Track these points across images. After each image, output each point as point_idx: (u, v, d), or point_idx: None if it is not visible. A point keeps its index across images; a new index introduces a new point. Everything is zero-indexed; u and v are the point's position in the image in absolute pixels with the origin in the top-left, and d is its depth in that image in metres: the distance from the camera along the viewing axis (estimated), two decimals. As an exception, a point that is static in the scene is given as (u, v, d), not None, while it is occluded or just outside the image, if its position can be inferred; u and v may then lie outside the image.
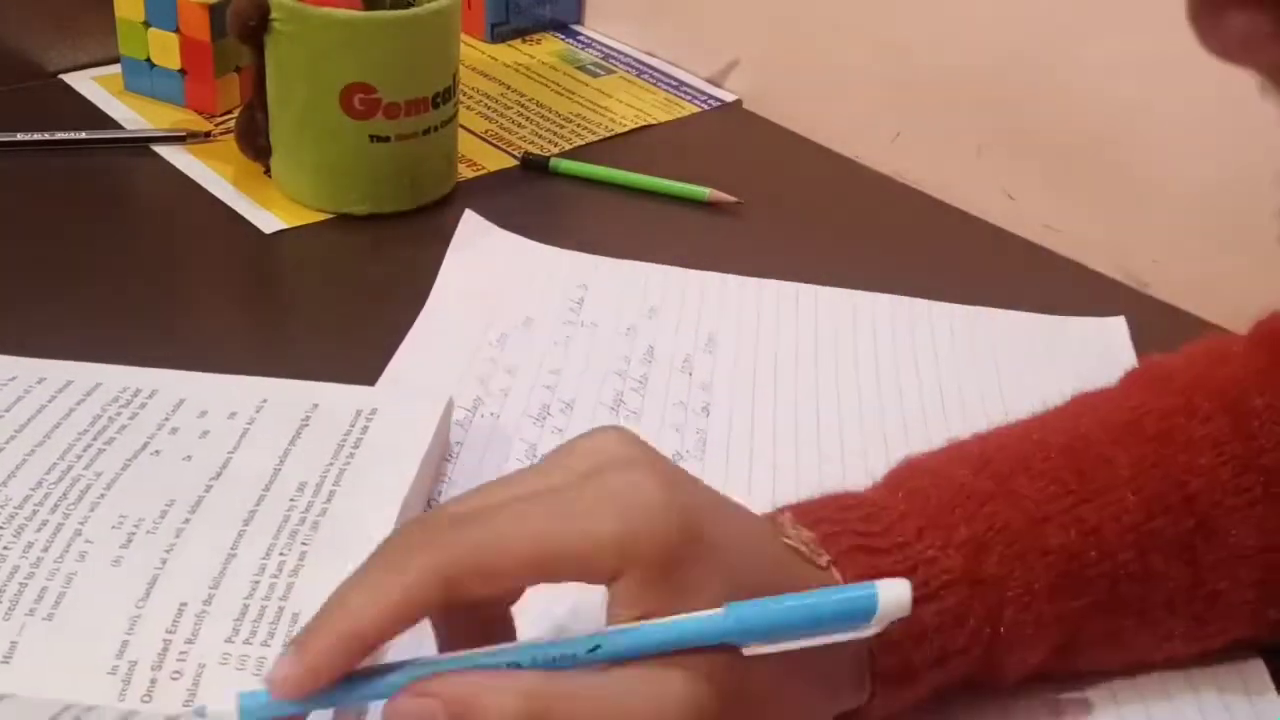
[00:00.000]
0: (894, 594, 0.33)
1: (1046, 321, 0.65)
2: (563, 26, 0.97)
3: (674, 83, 0.90)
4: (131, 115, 0.79)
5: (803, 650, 0.35)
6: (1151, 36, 0.67)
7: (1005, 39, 0.74)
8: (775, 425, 0.56)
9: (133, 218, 0.70)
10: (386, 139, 0.68)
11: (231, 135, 0.73)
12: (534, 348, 0.60)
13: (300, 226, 0.69)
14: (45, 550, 0.43)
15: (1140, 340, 0.66)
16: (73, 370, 0.52)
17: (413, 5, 0.68)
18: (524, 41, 0.95)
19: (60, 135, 0.74)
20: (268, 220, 0.69)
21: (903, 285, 0.67)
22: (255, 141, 0.71)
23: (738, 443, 0.54)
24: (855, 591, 0.34)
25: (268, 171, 0.72)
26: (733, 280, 0.66)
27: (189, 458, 0.47)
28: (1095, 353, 0.62)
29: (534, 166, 0.77)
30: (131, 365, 0.53)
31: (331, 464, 0.47)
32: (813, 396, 0.58)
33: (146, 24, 0.78)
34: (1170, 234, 0.69)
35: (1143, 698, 0.43)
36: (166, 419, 0.50)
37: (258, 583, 0.41)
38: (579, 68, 0.91)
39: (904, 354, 0.61)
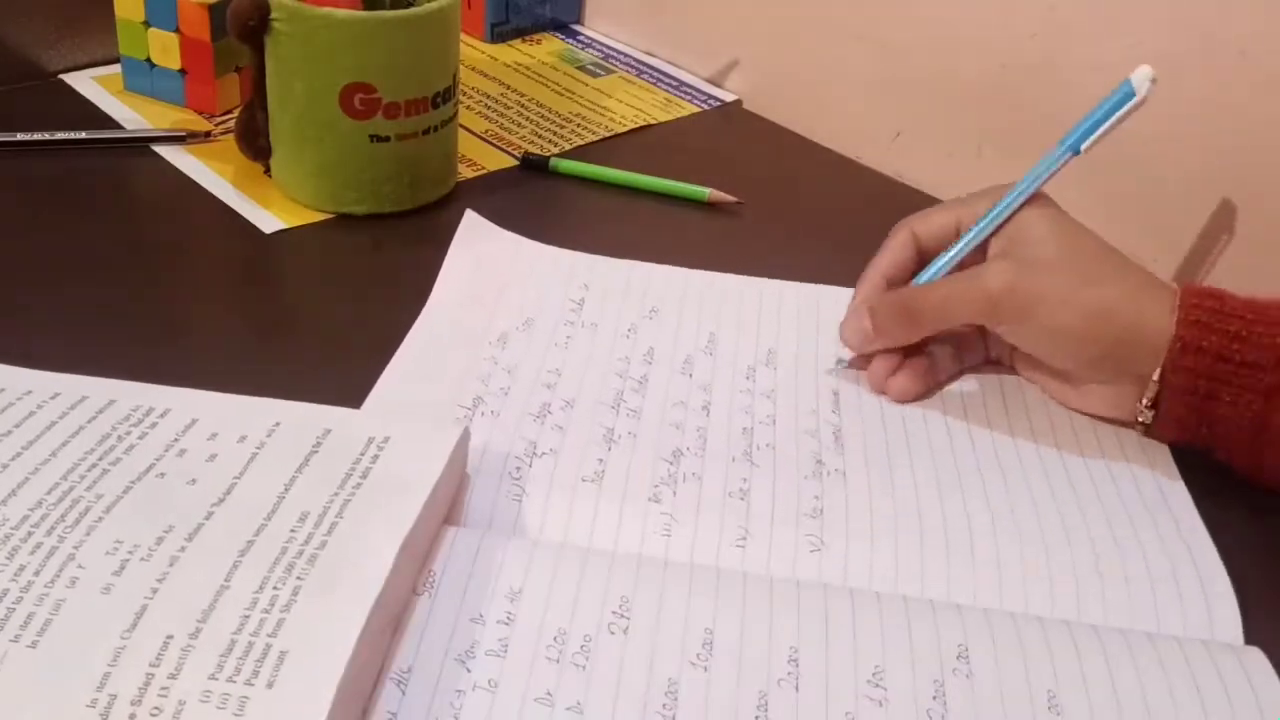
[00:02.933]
0: (1142, 73, 0.55)
1: None
2: (563, 26, 0.97)
3: (674, 83, 0.90)
4: (131, 115, 0.79)
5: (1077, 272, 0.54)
6: (1151, 36, 0.67)
7: (1005, 39, 0.74)
8: (776, 423, 0.56)
9: (133, 218, 0.70)
10: (386, 139, 0.68)
11: (231, 135, 0.73)
12: (534, 347, 0.60)
13: (300, 226, 0.69)
14: (36, 574, 0.41)
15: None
16: (88, 386, 0.51)
17: (413, 5, 0.68)
18: (524, 41, 0.95)
19: (60, 135, 0.74)
20: (268, 220, 0.69)
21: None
22: (255, 141, 0.71)
23: (737, 440, 0.55)
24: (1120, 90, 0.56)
25: (268, 171, 0.72)
26: (733, 279, 0.66)
27: (194, 481, 0.46)
28: None
29: (534, 166, 0.77)
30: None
31: (336, 494, 0.45)
32: (812, 394, 0.58)
33: (146, 24, 0.78)
34: (1170, 234, 0.69)
35: (1143, 691, 0.43)
36: (176, 440, 0.48)
37: (248, 617, 0.40)
38: (579, 68, 0.91)
39: None
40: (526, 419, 0.54)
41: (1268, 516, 0.54)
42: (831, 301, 0.65)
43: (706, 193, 0.75)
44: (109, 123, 0.78)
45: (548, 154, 0.78)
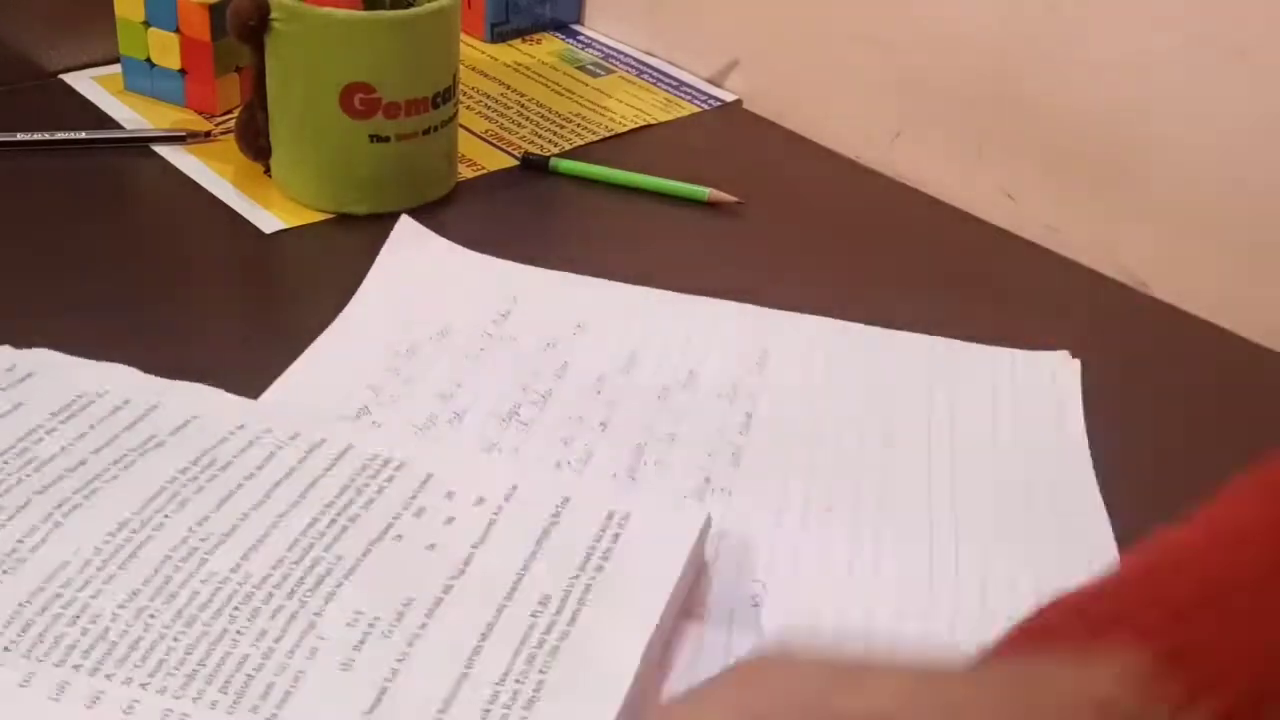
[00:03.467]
0: None
1: (996, 354, 0.62)
2: (563, 26, 0.97)
3: (674, 83, 0.90)
4: (131, 115, 0.79)
5: None
6: (1152, 36, 0.67)
7: (1005, 39, 0.74)
8: (675, 441, 0.54)
9: (133, 218, 0.70)
10: (386, 139, 0.68)
11: (231, 135, 0.73)
12: (442, 358, 0.58)
13: (300, 226, 0.69)
14: (277, 641, 0.41)
15: (1140, 340, 0.66)
16: (328, 429, 0.50)
17: (413, 5, 0.68)
18: (524, 41, 0.95)
19: (60, 135, 0.74)
20: (268, 220, 0.69)
21: (902, 284, 0.67)
22: (255, 141, 0.71)
23: (626, 456, 0.53)
24: None
25: (268, 171, 0.72)
26: (672, 297, 0.64)
27: (432, 546, 0.45)
28: (1043, 387, 0.60)
29: (534, 166, 0.77)
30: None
31: (578, 576, 0.44)
32: (721, 416, 0.56)
33: (146, 24, 0.78)
34: (1170, 234, 0.69)
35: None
36: (414, 497, 0.47)
37: (488, 712, 0.39)
38: (579, 67, 0.91)
39: (829, 378, 0.60)
40: (409, 430, 0.53)
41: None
42: (771, 326, 0.63)
43: (706, 193, 0.75)
44: (109, 123, 0.78)
45: (548, 154, 0.78)
